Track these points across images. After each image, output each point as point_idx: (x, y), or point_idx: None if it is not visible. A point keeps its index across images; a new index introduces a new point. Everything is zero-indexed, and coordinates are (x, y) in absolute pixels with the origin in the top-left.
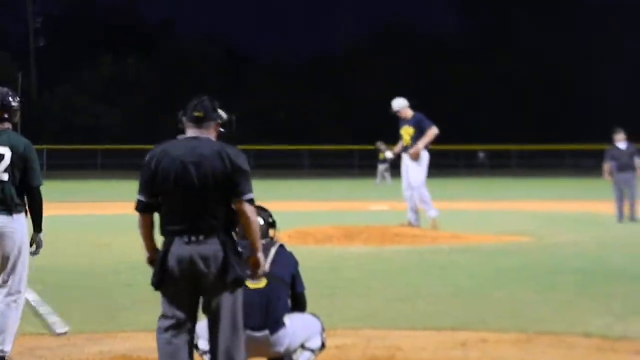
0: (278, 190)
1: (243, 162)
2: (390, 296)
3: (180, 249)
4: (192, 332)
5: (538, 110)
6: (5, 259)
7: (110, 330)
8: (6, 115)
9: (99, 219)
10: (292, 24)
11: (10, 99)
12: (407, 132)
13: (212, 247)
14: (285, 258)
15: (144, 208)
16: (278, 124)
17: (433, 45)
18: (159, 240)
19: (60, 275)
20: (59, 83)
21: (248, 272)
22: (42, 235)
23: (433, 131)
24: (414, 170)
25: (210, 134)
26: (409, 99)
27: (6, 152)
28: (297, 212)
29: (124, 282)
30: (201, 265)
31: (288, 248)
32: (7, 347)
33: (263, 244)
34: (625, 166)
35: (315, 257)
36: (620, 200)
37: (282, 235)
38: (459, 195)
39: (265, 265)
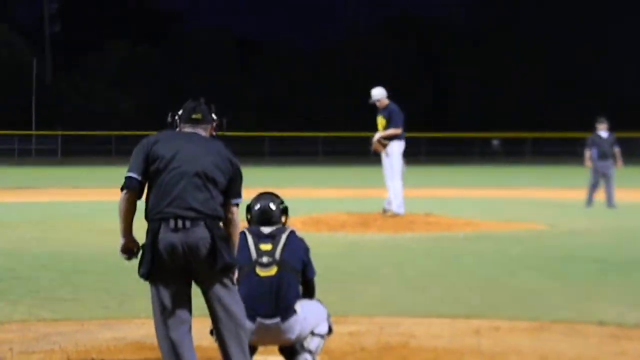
0: (292, 176)
1: (239, 165)
2: (404, 283)
3: (168, 236)
4: (188, 321)
5: (551, 98)
6: None
7: (124, 317)
8: None
9: (112, 205)
10: (301, 12)
11: None
12: (380, 122)
13: (199, 234)
14: (295, 244)
15: (134, 185)
16: (291, 111)
17: (443, 32)
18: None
19: (74, 261)
20: (73, 69)
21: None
22: None
23: (393, 131)
24: (384, 162)
25: (205, 135)
26: (419, 87)
27: None
28: (311, 198)
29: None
30: (190, 253)
31: (300, 234)
32: None
33: (275, 230)
34: (605, 154)
35: (329, 244)
36: (593, 186)
37: (295, 221)
38: (473, 183)
39: (276, 252)
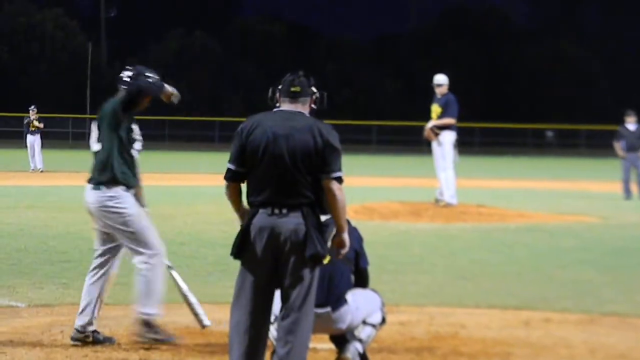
0: (345, 165)
1: (334, 139)
2: (455, 273)
3: (262, 220)
4: (266, 309)
5: (606, 91)
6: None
7: (174, 302)
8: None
9: (163, 190)
10: (359, 1)
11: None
12: (435, 110)
13: (294, 221)
14: (349, 234)
15: (231, 177)
16: (345, 99)
17: (500, 25)
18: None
19: None
20: (128, 54)
21: (329, 248)
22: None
23: (448, 120)
24: (436, 151)
25: (304, 109)
26: (475, 79)
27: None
28: (364, 187)
29: (187, 254)
30: (281, 237)
31: (353, 223)
32: (150, 310)
33: (329, 218)
34: (633, 146)
35: (381, 233)
36: (627, 179)
37: (348, 210)
38: (527, 174)
39: (346, 245)
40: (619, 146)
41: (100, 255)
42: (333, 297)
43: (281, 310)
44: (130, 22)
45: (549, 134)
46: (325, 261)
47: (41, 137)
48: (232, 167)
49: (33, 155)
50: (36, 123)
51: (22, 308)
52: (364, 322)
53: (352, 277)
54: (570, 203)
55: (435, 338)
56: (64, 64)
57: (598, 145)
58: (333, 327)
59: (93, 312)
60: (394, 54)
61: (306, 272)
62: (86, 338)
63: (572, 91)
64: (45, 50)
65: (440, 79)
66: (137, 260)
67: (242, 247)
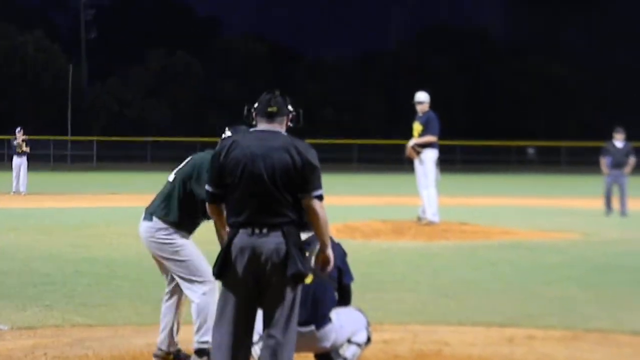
0: (327, 184)
1: (313, 157)
2: (438, 291)
3: (243, 240)
4: (250, 327)
5: (587, 107)
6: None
7: (158, 323)
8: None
9: None
10: (338, 20)
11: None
12: (417, 128)
13: (274, 240)
14: (333, 251)
15: (210, 199)
16: (325, 118)
17: (483, 43)
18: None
19: (108, 267)
20: (109, 75)
21: (312, 267)
22: None
23: (429, 138)
24: (418, 169)
25: (281, 128)
26: (456, 95)
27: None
28: (345, 206)
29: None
30: (262, 257)
31: (336, 240)
32: (205, 338)
33: (311, 236)
34: (618, 164)
35: (363, 252)
36: (609, 195)
37: (330, 228)
38: (509, 192)
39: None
40: (604, 162)
41: (170, 281)
42: (317, 316)
43: (264, 330)
44: (110, 43)
45: (530, 151)
46: (308, 280)
47: (27, 160)
48: (210, 189)
49: (18, 178)
50: (24, 147)
51: (4, 331)
52: (349, 341)
53: (336, 295)
54: (552, 219)
55: (419, 356)
56: (45, 86)
57: (579, 162)
58: (317, 345)
59: (172, 333)
60: (375, 73)
61: (288, 292)
62: (168, 355)
63: (554, 108)
64: (27, 73)
65: (421, 97)
66: (189, 291)
67: (223, 268)
